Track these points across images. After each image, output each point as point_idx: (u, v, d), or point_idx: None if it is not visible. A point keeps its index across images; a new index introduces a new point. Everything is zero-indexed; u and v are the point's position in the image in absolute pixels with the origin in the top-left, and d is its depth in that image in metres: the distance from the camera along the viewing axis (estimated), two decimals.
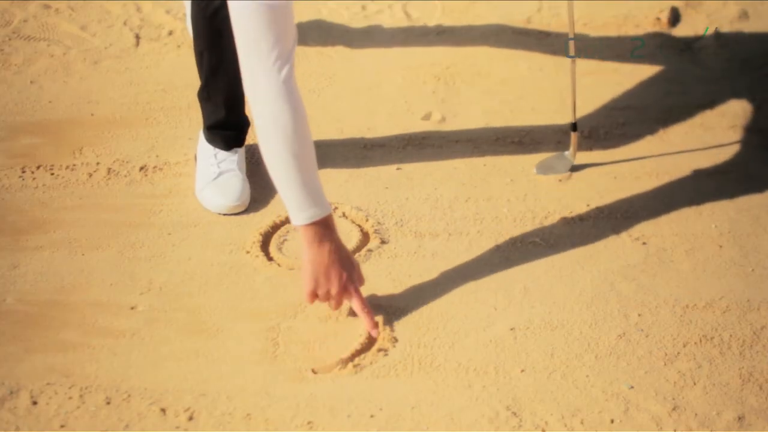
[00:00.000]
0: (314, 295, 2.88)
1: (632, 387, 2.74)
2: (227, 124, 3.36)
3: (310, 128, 3.45)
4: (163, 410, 2.69)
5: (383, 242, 3.19)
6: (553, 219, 3.28)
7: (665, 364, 2.81)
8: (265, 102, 2.74)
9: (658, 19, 4.19)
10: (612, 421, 2.66)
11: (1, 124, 3.64)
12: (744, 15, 4.22)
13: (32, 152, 3.52)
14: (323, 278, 2.86)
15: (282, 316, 2.95)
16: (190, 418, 2.67)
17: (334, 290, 2.87)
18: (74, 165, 3.47)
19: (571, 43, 3.41)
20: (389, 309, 2.97)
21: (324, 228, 2.84)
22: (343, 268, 2.87)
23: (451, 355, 2.83)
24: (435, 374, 2.78)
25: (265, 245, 3.18)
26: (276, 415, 2.67)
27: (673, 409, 2.69)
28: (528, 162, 3.50)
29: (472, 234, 3.22)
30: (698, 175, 3.46)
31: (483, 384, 2.75)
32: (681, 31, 4.16)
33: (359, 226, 3.26)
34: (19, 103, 3.74)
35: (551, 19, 4.18)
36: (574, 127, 3.46)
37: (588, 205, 3.33)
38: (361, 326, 2.91)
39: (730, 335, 2.89)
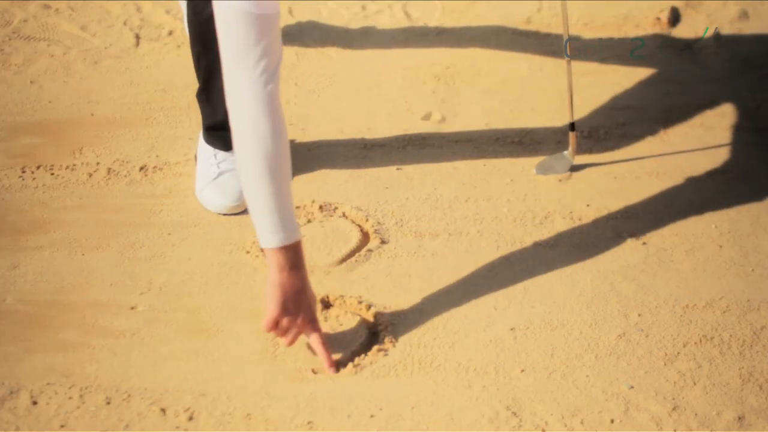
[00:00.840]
0: (275, 324, 2.74)
1: (632, 387, 2.74)
2: (226, 124, 3.34)
3: (310, 128, 3.45)
4: (163, 410, 2.69)
5: (383, 242, 3.19)
6: (553, 219, 3.28)
7: (665, 364, 2.81)
8: (247, 114, 2.64)
9: (658, 19, 4.19)
10: (612, 421, 2.66)
11: (1, 124, 3.64)
12: (744, 15, 4.22)
13: (32, 152, 3.52)
14: (292, 305, 2.73)
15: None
16: (190, 418, 2.67)
17: (301, 319, 2.75)
18: (74, 165, 3.47)
19: (567, 46, 3.41)
20: (389, 309, 2.97)
21: (296, 253, 2.72)
22: (312, 297, 2.79)
23: (451, 355, 2.83)
24: (435, 374, 2.78)
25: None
26: (276, 415, 2.67)
27: (673, 409, 2.69)
28: (528, 162, 3.50)
29: (472, 234, 3.22)
30: (698, 175, 3.46)
31: (483, 384, 2.75)
32: (681, 31, 4.16)
33: (359, 226, 3.26)
34: (19, 103, 3.74)
35: (551, 19, 4.18)
36: (572, 126, 3.46)
37: (588, 205, 3.33)
38: (361, 326, 2.91)
39: (730, 335, 2.89)
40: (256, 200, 2.69)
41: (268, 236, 2.70)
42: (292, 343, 2.79)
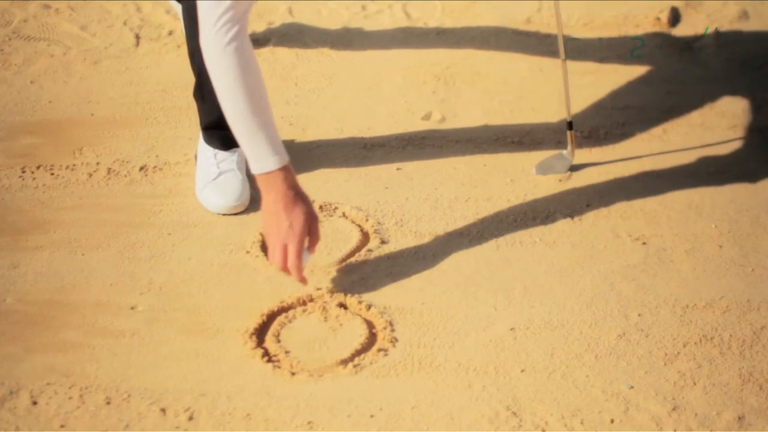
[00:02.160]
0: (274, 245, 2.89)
1: (632, 387, 2.74)
2: (223, 123, 3.35)
3: (310, 128, 3.45)
4: (163, 410, 2.69)
5: (383, 242, 3.19)
6: (553, 219, 3.28)
7: (665, 364, 2.81)
8: (214, 59, 2.82)
9: (658, 19, 4.19)
10: (612, 421, 2.66)
11: (1, 124, 3.64)
12: (744, 15, 4.22)
13: (32, 152, 3.52)
14: (285, 214, 2.88)
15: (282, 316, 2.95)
16: (190, 418, 2.67)
17: (297, 225, 2.88)
18: (74, 165, 3.47)
19: (561, 44, 3.42)
20: (389, 309, 2.96)
21: (287, 172, 2.88)
22: (307, 204, 2.90)
23: (451, 355, 2.83)
24: (435, 374, 2.78)
25: (265, 245, 3.18)
26: (276, 415, 2.67)
27: (673, 409, 2.69)
28: (528, 162, 3.50)
29: (472, 234, 3.22)
30: (698, 175, 3.46)
31: (483, 384, 2.75)
32: (681, 31, 4.16)
33: (359, 226, 3.26)
34: (19, 103, 3.74)
35: (551, 19, 4.18)
36: (569, 125, 3.46)
37: (588, 205, 3.33)
38: (361, 326, 2.91)
39: (730, 335, 2.89)
40: (240, 133, 2.86)
41: (269, 159, 2.86)
42: (293, 260, 2.89)
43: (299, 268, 2.90)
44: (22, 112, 3.71)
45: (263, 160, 2.86)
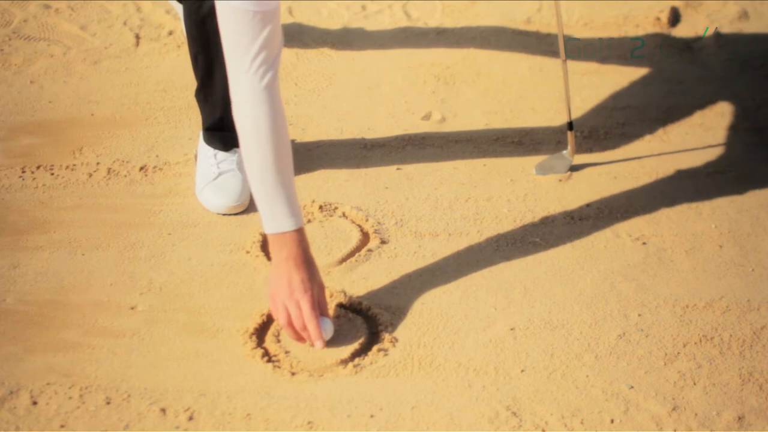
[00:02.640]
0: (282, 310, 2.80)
1: (632, 387, 2.74)
2: (225, 124, 3.36)
3: (310, 128, 3.45)
4: (163, 410, 2.69)
5: (383, 242, 3.19)
6: (553, 219, 3.28)
7: (665, 364, 2.81)
8: (246, 107, 2.72)
9: (658, 19, 4.19)
10: (612, 421, 2.66)
11: (1, 124, 3.64)
12: (744, 15, 4.22)
13: (32, 152, 3.52)
14: (296, 272, 2.79)
15: None
16: (190, 418, 2.67)
17: (308, 283, 2.79)
18: (74, 165, 3.47)
19: (561, 44, 3.42)
20: (389, 309, 2.97)
21: (302, 235, 2.79)
22: (317, 271, 2.82)
23: (451, 355, 2.83)
24: (435, 374, 2.78)
25: (265, 245, 3.18)
26: (276, 415, 2.67)
27: (673, 409, 2.69)
28: (528, 162, 3.50)
29: (472, 234, 3.22)
30: (698, 175, 3.46)
31: (483, 384, 2.75)
32: (681, 31, 4.16)
33: (359, 226, 3.26)
34: (19, 103, 3.74)
35: (551, 19, 4.18)
36: (570, 126, 3.46)
37: (588, 205, 3.33)
38: (361, 326, 2.91)
39: (730, 335, 2.89)
40: (259, 189, 2.77)
41: (286, 220, 2.77)
42: (309, 323, 2.80)
43: (316, 324, 2.78)
44: (22, 112, 3.71)
45: (280, 219, 2.77)
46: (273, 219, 2.77)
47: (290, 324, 2.81)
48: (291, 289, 2.79)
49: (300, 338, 2.82)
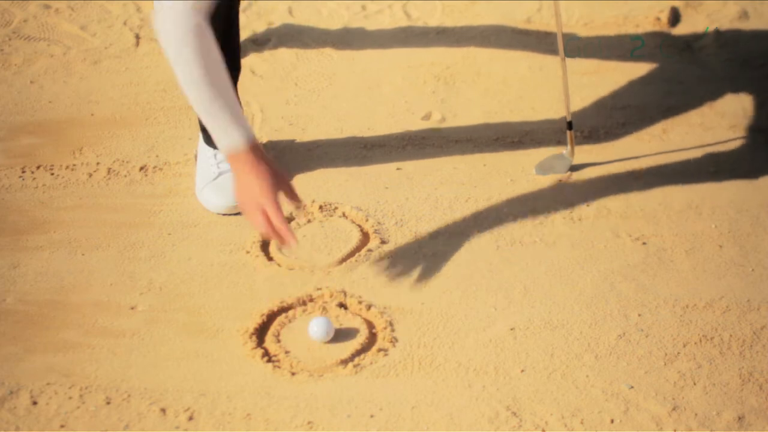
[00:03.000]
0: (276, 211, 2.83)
1: (632, 387, 2.74)
2: None
3: (310, 128, 3.46)
4: (163, 410, 2.69)
5: (383, 242, 3.19)
6: (553, 219, 3.28)
7: (665, 364, 2.81)
8: (169, 24, 2.75)
9: (658, 19, 4.19)
10: (612, 421, 2.66)
11: (1, 124, 3.64)
12: (744, 15, 4.22)
13: (32, 152, 3.52)
14: (254, 178, 2.81)
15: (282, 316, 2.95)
16: (190, 418, 2.67)
17: (265, 184, 2.82)
18: (74, 165, 3.47)
19: (560, 44, 3.42)
20: (389, 309, 2.97)
21: (256, 147, 2.82)
22: (271, 164, 2.84)
23: (451, 355, 2.83)
24: (435, 374, 2.78)
25: (265, 245, 3.18)
26: (276, 415, 2.67)
27: (673, 409, 2.69)
28: (528, 162, 3.50)
29: (472, 234, 3.22)
30: (698, 175, 3.46)
31: (483, 384, 2.75)
32: (681, 31, 4.16)
33: (359, 226, 3.26)
34: (19, 103, 3.74)
35: (551, 19, 4.18)
36: (569, 125, 3.46)
37: (588, 205, 3.33)
38: (361, 326, 2.91)
39: (730, 335, 2.89)
40: (216, 116, 2.78)
41: (236, 138, 2.79)
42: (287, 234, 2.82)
43: (285, 226, 2.81)
44: (22, 112, 3.71)
45: (228, 134, 2.79)
46: (225, 135, 2.79)
47: (270, 228, 2.82)
48: (252, 197, 2.81)
49: (280, 237, 2.84)
